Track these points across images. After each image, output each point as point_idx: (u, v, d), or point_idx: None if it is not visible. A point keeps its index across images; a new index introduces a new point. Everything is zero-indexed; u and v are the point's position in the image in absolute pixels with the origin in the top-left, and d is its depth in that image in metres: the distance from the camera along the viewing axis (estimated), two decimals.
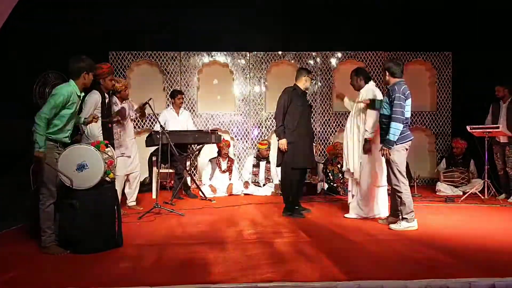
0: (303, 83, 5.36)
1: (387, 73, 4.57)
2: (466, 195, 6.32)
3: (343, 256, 3.56)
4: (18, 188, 4.64)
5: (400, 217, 4.56)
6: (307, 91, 5.54)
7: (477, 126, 6.31)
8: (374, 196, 5.03)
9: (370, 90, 5.04)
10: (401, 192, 4.48)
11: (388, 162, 4.56)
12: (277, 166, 5.51)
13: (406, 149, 4.56)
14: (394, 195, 4.65)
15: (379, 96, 4.98)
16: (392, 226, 4.54)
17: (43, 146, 3.58)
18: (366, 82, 5.12)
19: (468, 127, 6.35)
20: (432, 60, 8.36)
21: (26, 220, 4.56)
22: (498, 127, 6.06)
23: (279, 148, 5.28)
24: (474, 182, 6.87)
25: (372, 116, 4.90)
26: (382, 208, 5.10)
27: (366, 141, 4.93)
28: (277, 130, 5.28)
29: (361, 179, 5.02)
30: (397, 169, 4.47)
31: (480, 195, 6.29)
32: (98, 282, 3.00)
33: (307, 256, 3.56)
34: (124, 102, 5.56)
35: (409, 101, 4.47)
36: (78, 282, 2.99)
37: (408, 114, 4.50)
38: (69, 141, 3.86)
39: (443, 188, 7.03)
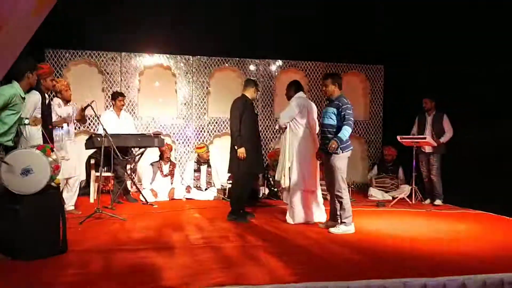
0: (251, 93, 5.56)
1: (337, 86, 4.89)
2: (395, 200, 6.79)
3: (289, 259, 3.72)
4: None
5: (339, 221, 4.83)
6: (254, 101, 5.74)
7: (406, 136, 6.82)
8: (308, 201, 5.29)
9: (296, 99, 5.38)
10: (343, 198, 4.77)
11: (330, 169, 4.83)
12: (229, 172, 5.60)
13: (348, 157, 4.86)
14: (333, 200, 4.93)
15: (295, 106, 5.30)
16: (332, 230, 4.80)
17: None
18: (296, 92, 5.46)
19: (398, 137, 6.82)
20: (366, 72, 8.87)
21: None
22: (425, 138, 6.58)
23: (234, 156, 5.36)
24: (402, 188, 7.38)
25: (289, 110, 5.29)
26: (319, 212, 5.36)
27: (280, 127, 5.46)
28: (235, 139, 5.35)
29: (291, 185, 5.26)
30: (341, 175, 4.76)
31: (408, 200, 6.78)
32: None
33: (256, 260, 3.70)
34: (68, 104, 5.41)
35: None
36: None
37: None
38: (12, 145, 3.72)
39: (375, 193, 7.49)
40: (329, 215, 5.18)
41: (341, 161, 4.78)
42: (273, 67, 8.52)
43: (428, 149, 6.81)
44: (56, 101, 5.49)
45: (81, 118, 5.69)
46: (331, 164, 4.80)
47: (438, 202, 6.74)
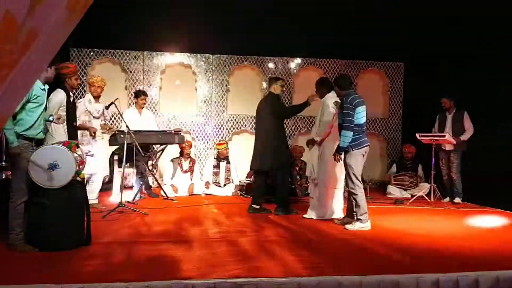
0: (277, 89, 5.79)
1: (337, 88, 4.96)
2: (414, 198, 6.79)
3: (304, 253, 3.81)
4: None
5: (355, 218, 4.89)
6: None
7: (425, 134, 6.79)
8: (331, 198, 5.35)
9: (329, 98, 5.35)
10: (356, 195, 4.81)
11: (346, 166, 4.89)
12: (264, 168, 5.69)
13: (363, 155, 4.90)
14: (350, 197, 4.99)
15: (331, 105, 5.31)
16: (348, 226, 4.85)
17: (15, 141, 3.61)
18: (329, 91, 5.42)
19: (417, 135, 6.81)
20: (386, 69, 8.86)
21: None
22: (444, 136, 6.55)
23: (273, 150, 5.55)
24: (421, 186, 7.36)
25: (324, 124, 5.29)
26: (337, 209, 5.43)
27: (313, 140, 5.46)
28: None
29: (319, 181, 5.33)
30: (353, 172, 4.79)
31: (426, 198, 6.77)
32: (69, 278, 3.08)
33: (271, 254, 3.80)
34: (99, 101, 5.66)
35: (360, 109, 4.80)
36: (49, 278, 3.06)
37: (361, 121, 4.83)
38: (43, 137, 3.91)
39: (393, 191, 7.49)
40: (345, 212, 5.24)
41: (352, 159, 4.80)
42: (292, 65, 8.59)
43: (448, 146, 6.78)
44: (87, 97, 5.72)
45: (105, 127, 5.91)
46: (344, 161, 4.87)
47: (457, 200, 6.71)
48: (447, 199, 6.84)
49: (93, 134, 5.58)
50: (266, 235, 4.53)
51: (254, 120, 6.18)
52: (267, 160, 5.59)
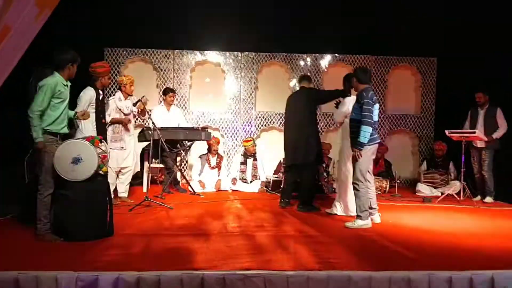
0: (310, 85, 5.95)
1: (355, 79, 4.86)
2: (443, 196, 6.62)
3: (318, 248, 3.82)
4: (11, 178, 4.92)
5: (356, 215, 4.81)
6: None
7: (455, 130, 6.61)
8: (348, 194, 5.31)
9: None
10: (359, 191, 4.71)
11: (353, 161, 4.79)
12: (296, 161, 5.72)
13: (373, 152, 4.82)
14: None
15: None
16: (347, 224, 4.76)
17: (40, 137, 3.83)
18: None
19: (446, 131, 6.63)
20: (417, 65, 8.66)
21: (18, 210, 4.82)
22: (474, 132, 6.35)
23: (308, 145, 5.61)
24: (452, 184, 7.15)
25: (341, 107, 5.40)
26: (353, 206, 5.35)
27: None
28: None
29: (338, 178, 5.31)
30: (360, 168, 4.69)
31: (456, 196, 6.58)
32: (90, 266, 3.24)
33: (285, 248, 3.84)
34: (128, 98, 5.85)
35: (376, 106, 4.74)
36: (71, 266, 3.22)
37: (376, 118, 4.76)
38: (67, 131, 4.10)
39: (423, 189, 7.32)
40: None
41: (362, 154, 4.69)
42: (321, 62, 8.55)
43: (480, 144, 6.57)
44: (118, 94, 5.93)
45: (141, 112, 6.07)
46: (353, 156, 4.77)
47: (488, 199, 6.50)
48: (478, 197, 6.63)
49: (127, 122, 5.75)
50: (284, 230, 4.57)
51: (284, 116, 6.17)
52: (300, 153, 5.62)
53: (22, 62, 5.96)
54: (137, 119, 6.31)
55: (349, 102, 5.24)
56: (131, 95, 5.99)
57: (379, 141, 4.87)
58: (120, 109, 5.90)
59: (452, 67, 8.07)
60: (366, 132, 4.61)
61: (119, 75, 7.59)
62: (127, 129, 5.87)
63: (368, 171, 4.82)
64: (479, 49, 7.24)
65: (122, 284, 3.05)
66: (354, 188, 4.79)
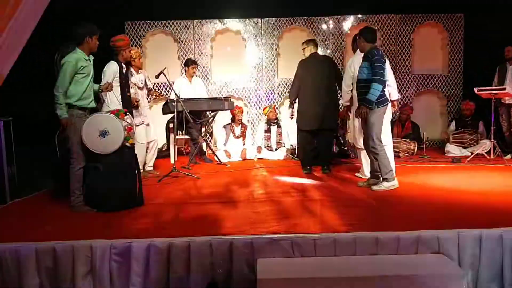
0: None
1: (362, 39, 4.70)
2: (472, 155, 6.50)
3: (344, 211, 3.84)
4: (45, 155, 5.08)
5: (381, 178, 4.73)
6: None
7: (484, 88, 6.40)
8: (361, 157, 5.34)
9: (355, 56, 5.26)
10: (378, 154, 4.61)
11: (366, 124, 4.68)
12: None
13: (385, 113, 4.70)
14: (371, 157, 4.79)
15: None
16: (374, 187, 4.70)
17: (65, 114, 3.93)
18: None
19: (475, 89, 6.43)
20: (444, 22, 8.35)
21: (53, 184, 5.02)
22: (504, 89, 6.15)
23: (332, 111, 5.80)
24: (482, 143, 6.98)
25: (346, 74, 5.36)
26: (366, 169, 5.28)
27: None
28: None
29: (356, 143, 5.36)
30: (375, 131, 4.58)
31: (486, 155, 6.45)
32: (122, 234, 3.37)
33: (311, 212, 3.87)
34: (139, 72, 5.84)
35: (386, 64, 4.65)
36: (105, 235, 3.35)
37: (386, 77, 4.63)
38: (95, 106, 4.19)
39: (452, 149, 7.18)
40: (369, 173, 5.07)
41: (375, 116, 4.57)
42: (344, 24, 8.35)
43: (508, 100, 6.38)
44: (129, 69, 5.94)
45: (149, 91, 6.10)
46: (366, 120, 4.64)
47: None
48: (509, 156, 6.48)
49: (136, 103, 5.76)
50: (310, 195, 4.60)
51: (299, 81, 6.03)
52: (331, 118, 5.79)
53: (46, 41, 6.11)
54: (149, 95, 6.30)
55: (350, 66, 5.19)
56: (141, 68, 5.99)
57: (389, 102, 4.73)
58: (134, 84, 5.92)
59: (479, 22, 7.75)
60: (376, 90, 4.47)
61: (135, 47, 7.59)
62: (138, 106, 5.87)
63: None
64: (508, 3, 6.92)
65: (154, 250, 3.16)
66: (373, 153, 4.67)
